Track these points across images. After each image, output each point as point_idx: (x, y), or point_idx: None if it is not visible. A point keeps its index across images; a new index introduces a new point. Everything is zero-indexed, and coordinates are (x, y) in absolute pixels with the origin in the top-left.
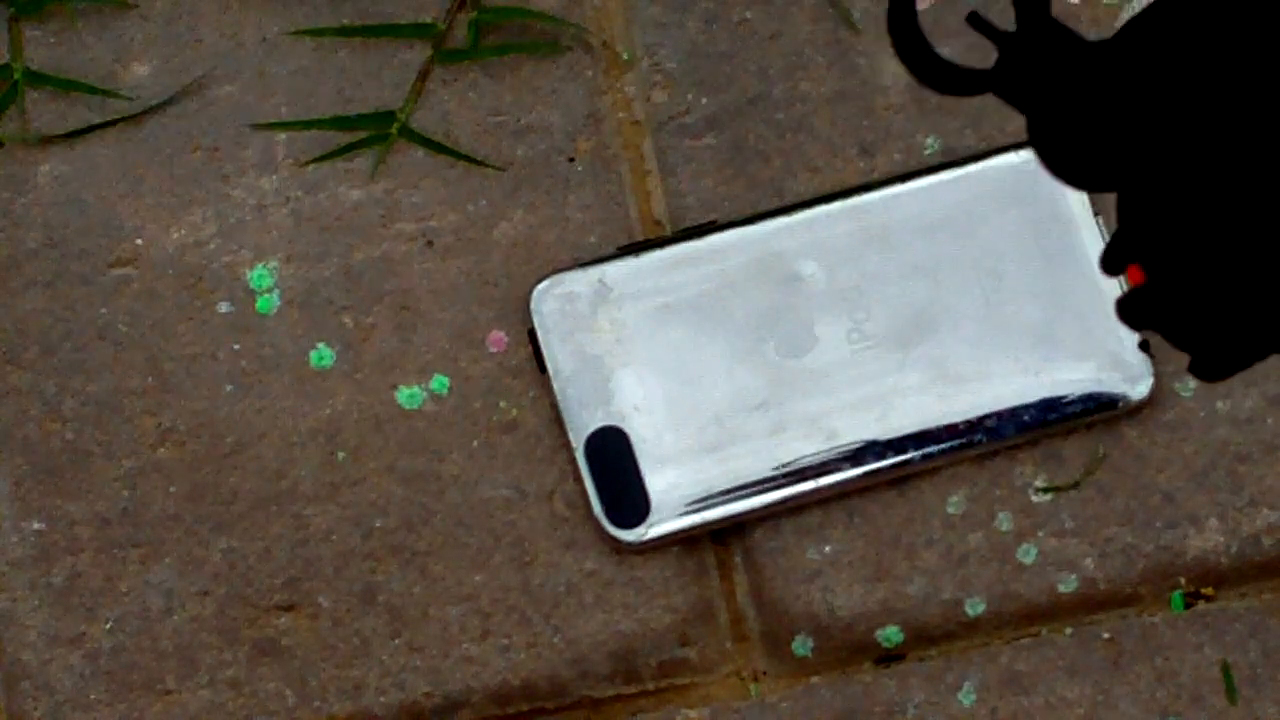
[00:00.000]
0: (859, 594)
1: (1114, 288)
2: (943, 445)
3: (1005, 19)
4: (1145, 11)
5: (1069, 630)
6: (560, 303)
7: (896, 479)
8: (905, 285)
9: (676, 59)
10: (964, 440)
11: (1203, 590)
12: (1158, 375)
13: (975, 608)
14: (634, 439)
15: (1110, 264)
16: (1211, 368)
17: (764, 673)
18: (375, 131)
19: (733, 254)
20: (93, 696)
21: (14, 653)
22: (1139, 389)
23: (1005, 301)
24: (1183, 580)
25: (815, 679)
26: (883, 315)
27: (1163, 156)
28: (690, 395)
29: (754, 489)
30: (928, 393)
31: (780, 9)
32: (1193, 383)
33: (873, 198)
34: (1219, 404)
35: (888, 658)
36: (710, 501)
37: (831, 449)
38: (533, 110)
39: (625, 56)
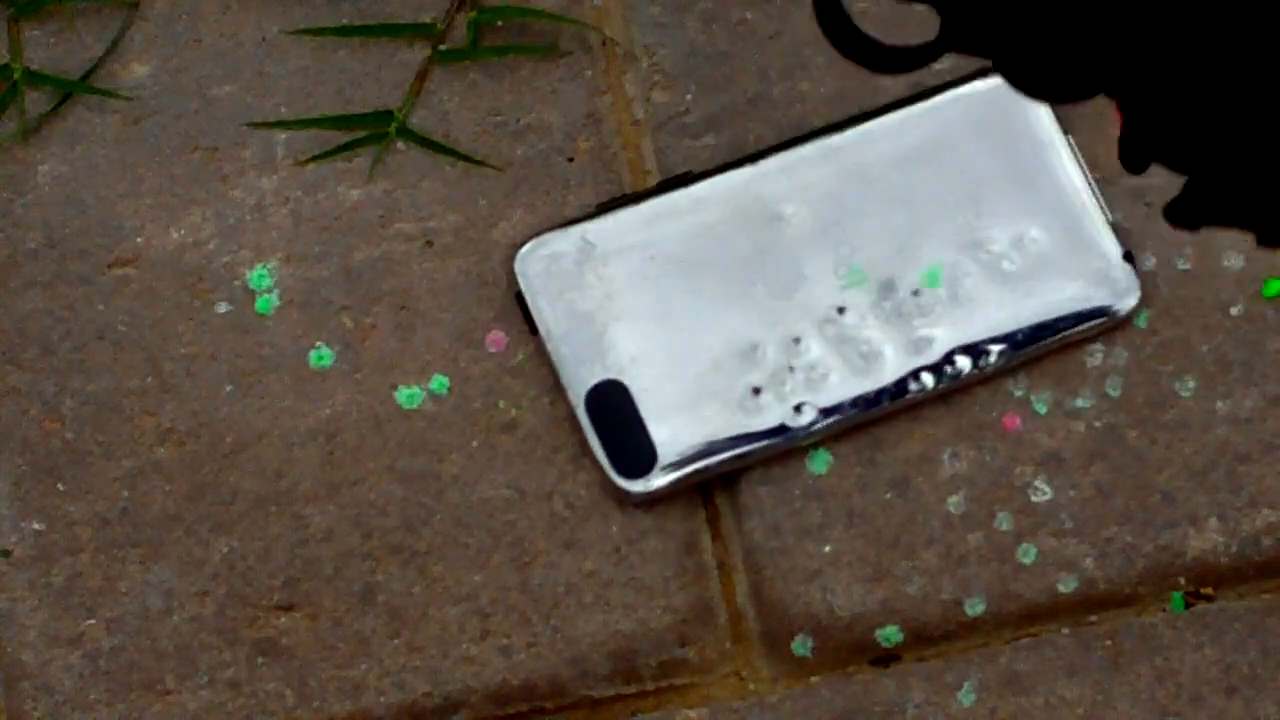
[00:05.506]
0: (859, 594)
1: (1093, 206)
2: (940, 371)
3: None
4: None
5: (1068, 630)
6: (545, 263)
7: (897, 410)
8: (886, 218)
9: (676, 59)
10: (960, 365)
11: (1203, 590)
12: (1158, 373)
13: (975, 608)
14: (634, 390)
15: (1130, 163)
16: (1276, 234)
17: (764, 673)
18: (374, 131)
19: (713, 203)
20: (92, 696)
21: (14, 653)
22: (1127, 301)
23: (986, 225)
24: (1183, 580)
25: (815, 679)
26: (867, 249)
27: (1142, 52)
28: (685, 342)
29: (758, 430)
30: (920, 320)
31: (780, 9)
32: (1192, 382)
33: (846, 135)
34: (1219, 404)
35: (887, 658)
36: (715, 445)
37: (830, 383)
38: (532, 110)
39: (625, 56)
